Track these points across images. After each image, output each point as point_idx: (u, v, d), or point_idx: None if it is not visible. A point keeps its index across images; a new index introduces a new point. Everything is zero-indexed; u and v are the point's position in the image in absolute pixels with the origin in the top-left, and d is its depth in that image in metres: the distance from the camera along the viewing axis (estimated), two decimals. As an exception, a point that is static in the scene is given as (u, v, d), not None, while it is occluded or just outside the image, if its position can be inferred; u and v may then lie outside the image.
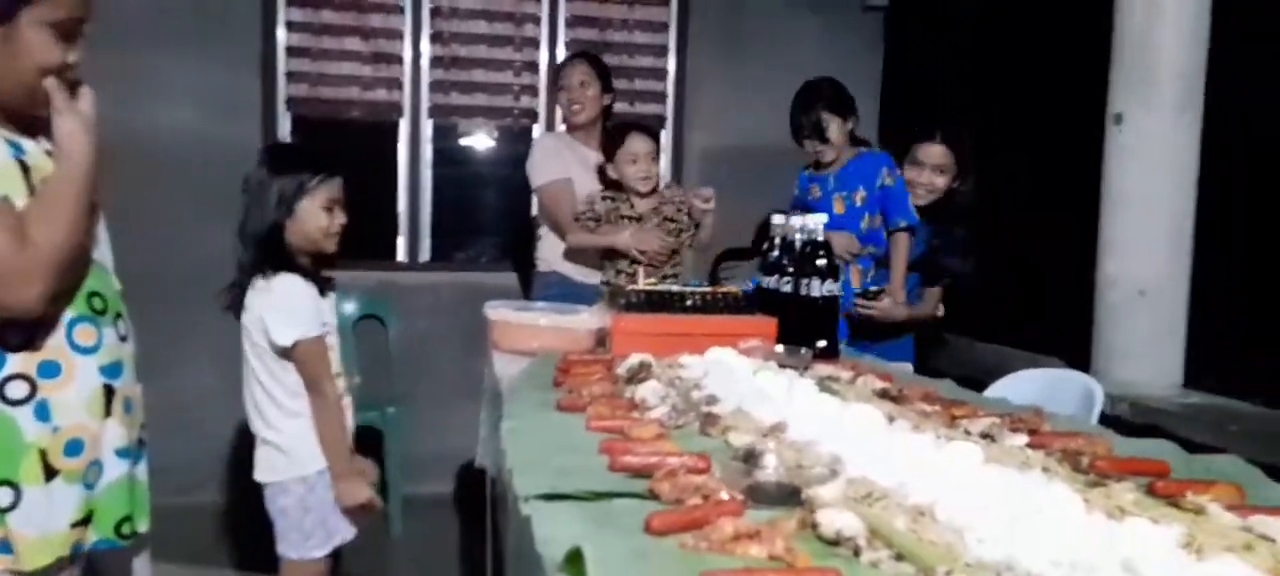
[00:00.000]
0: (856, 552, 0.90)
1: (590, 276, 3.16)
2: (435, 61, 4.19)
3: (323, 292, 2.16)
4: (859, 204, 2.90)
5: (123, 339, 1.64)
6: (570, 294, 3.03)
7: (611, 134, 3.15)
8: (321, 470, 2.12)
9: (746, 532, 0.91)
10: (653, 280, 2.63)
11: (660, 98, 4.42)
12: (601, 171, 3.15)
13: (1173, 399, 2.56)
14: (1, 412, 1.48)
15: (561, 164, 3.28)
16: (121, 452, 1.62)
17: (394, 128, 4.22)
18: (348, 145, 4.20)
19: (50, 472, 1.51)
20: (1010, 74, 3.55)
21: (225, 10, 3.93)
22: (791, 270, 2.19)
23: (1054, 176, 3.25)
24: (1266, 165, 2.56)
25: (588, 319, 2.32)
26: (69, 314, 1.54)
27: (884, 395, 1.66)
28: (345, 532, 2.18)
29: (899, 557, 0.88)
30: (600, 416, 1.43)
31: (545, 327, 2.29)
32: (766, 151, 3.77)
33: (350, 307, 3.86)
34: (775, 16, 4.35)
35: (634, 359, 1.77)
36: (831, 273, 2.18)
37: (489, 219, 4.74)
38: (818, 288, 2.16)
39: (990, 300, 3.30)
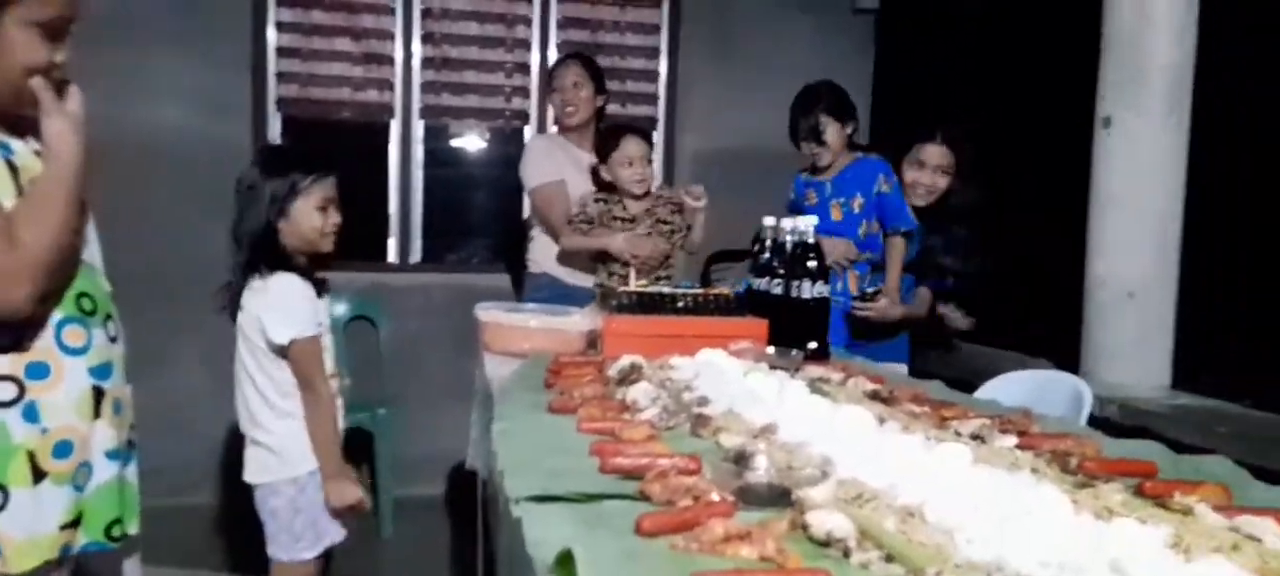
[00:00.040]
0: (846, 553, 0.90)
1: (582, 279, 3.16)
2: (426, 62, 4.19)
3: (319, 293, 2.16)
4: (857, 210, 2.90)
5: (112, 340, 1.64)
6: (561, 296, 3.03)
7: (605, 136, 3.15)
8: (312, 471, 2.12)
9: (737, 534, 0.91)
10: (643, 281, 2.63)
11: (652, 99, 4.42)
12: (595, 173, 3.15)
13: (1161, 400, 2.57)
14: (-11, 414, 1.47)
15: (555, 165, 3.28)
16: (111, 454, 1.61)
17: (385, 129, 4.21)
18: (339, 146, 4.19)
19: (39, 474, 1.50)
20: (1000, 76, 3.57)
21: (215, 10, 3.92)
22: (782, 272, 2.19)
23: (1043, 178, 3.26)
24: (1254, 167, 2.57)
25: (579, 320, 2.32)
26: (58, 315, 1.53)
27: (874, 397, 1.66)
28: (335, 534, 2.18)
29: (889, 558, 0.88)
30: (591, 418, 1.43)
31: (536, 329, 2.29)
32: (758, 153, 3.78)
33: (341, 309, 3.85)
34: (766, 19, 4.36)
35: (625, 360, 1.77)
36: (822, 275, 2.18)
37: (480, 220, 4.74)
38: (808, 289, 2.16)
39: (979, 302, 3.31)
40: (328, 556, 2.20)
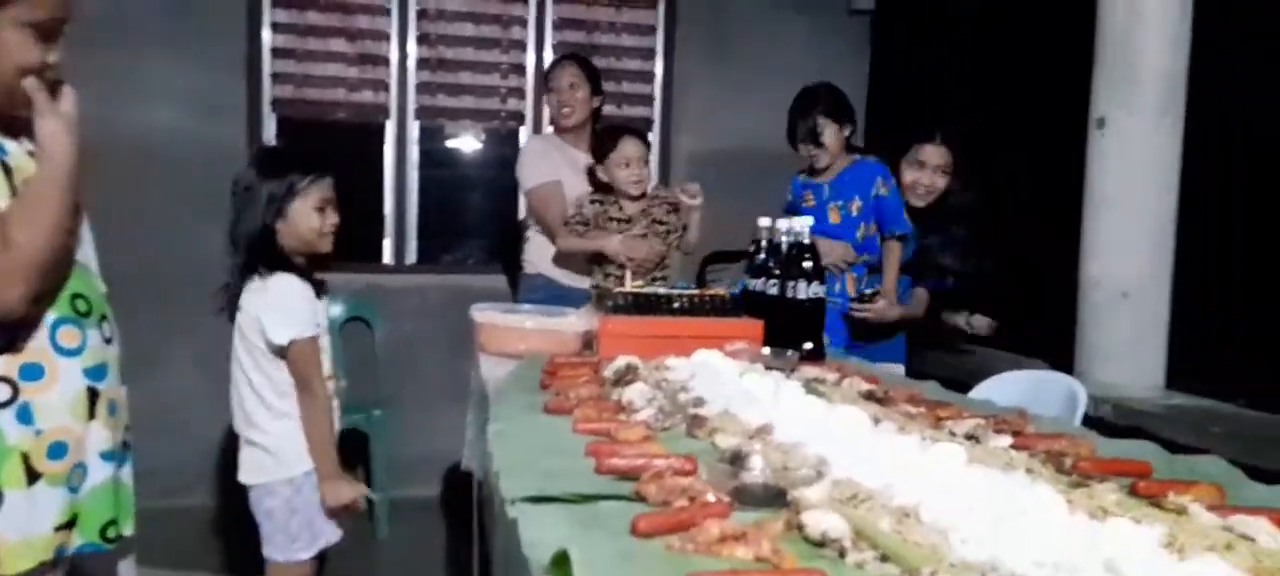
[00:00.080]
0: (842, 554, 0.90)
1: (577, 280, 3.16)
2: (422, 63, 4.18)
3: (318, 294, 2.16)
4: (855, 213, 2.90)
5: (107, 341, 1.63)
6: (557, 297, 3.03)
7: (601, 137, 3.15)
8: (308, 471, 2.11)
9: (733, 534, 0.91)
10: (639, 282, 2.63)
11: (648, 100, 4.42)
12: (591, 173, 3.15)
13: (1155, 400, 2.58)
14: (-18, 416, 1.47)
15: (551, 166, 3.28)
16: (106, 455, 1.61)
17: (380, 129, 4.20)
18: (334, 147, 4.18)
19: (33, 476, 1.50)
20: (995, 77, 3.57)
21: (209, 11, 3.91)
22: (778, 273, 2.20)
23: (1037, 179, 3.27)
24: (1247, 167, 2.58)
25: (574, 321, 2.32)
26: (52, 316, 1.53)
27: (870, 397, 1.66)
28: (331, 535, 2.18)
29: (884, 558, 0.88)
30: (587, 418, 1.43)
31: (532, 330, 2.29)
32: (753, 154, 3.78)
33: (336, 310, 3.84)
34: (762, 20, 4.36)
35: (621, 361, 1.77)
36: (817, 275, 2.18)
37: (476, 221, 4.73)
38: (804, 290, 2.17)
39: (976, 302, 3.32)
40: (322, 558, 2.19)
